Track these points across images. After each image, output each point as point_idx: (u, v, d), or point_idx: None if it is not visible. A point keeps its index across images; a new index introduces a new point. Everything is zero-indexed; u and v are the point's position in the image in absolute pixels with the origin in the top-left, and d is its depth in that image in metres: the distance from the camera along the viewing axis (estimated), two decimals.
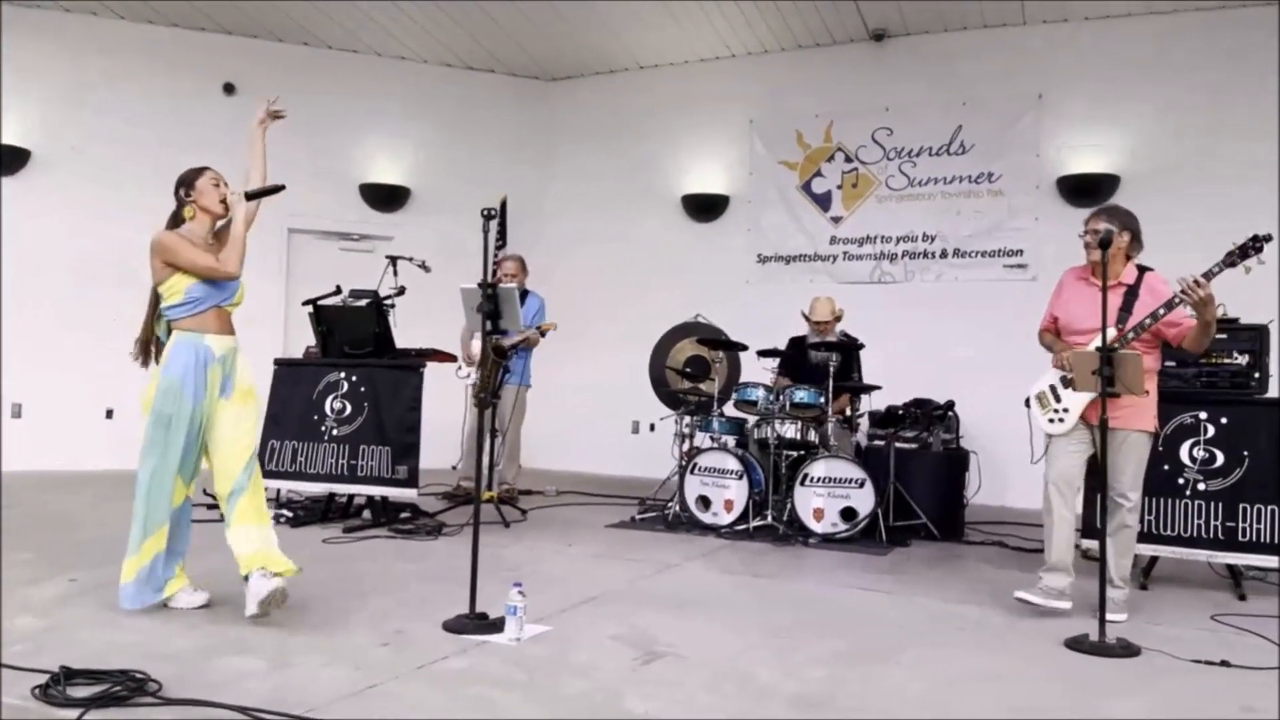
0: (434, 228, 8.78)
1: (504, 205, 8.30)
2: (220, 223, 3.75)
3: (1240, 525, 4.57)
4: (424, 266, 6.66)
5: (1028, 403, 4.27)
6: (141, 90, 8.40)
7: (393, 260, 6.63)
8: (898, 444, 6.23)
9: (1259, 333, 4.85)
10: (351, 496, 5.95)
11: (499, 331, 4.16)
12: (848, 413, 6.38)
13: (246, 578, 3.47)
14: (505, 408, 6.58)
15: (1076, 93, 7.76)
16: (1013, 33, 7.97)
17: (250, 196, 3.70)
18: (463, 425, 7.03)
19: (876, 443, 6.43)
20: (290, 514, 5.80)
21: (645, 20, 8.25)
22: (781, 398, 6.09)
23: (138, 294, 3.90)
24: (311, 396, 5.84)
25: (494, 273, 6.64)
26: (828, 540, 5.69)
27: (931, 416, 6.46)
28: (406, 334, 6.31)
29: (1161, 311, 3.90)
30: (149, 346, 3.73)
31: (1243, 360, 4.85)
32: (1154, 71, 7.49)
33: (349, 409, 5.76)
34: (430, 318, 6.81)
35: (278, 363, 6.20)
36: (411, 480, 5.60)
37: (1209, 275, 3.78)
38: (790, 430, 6.04)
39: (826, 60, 8.60)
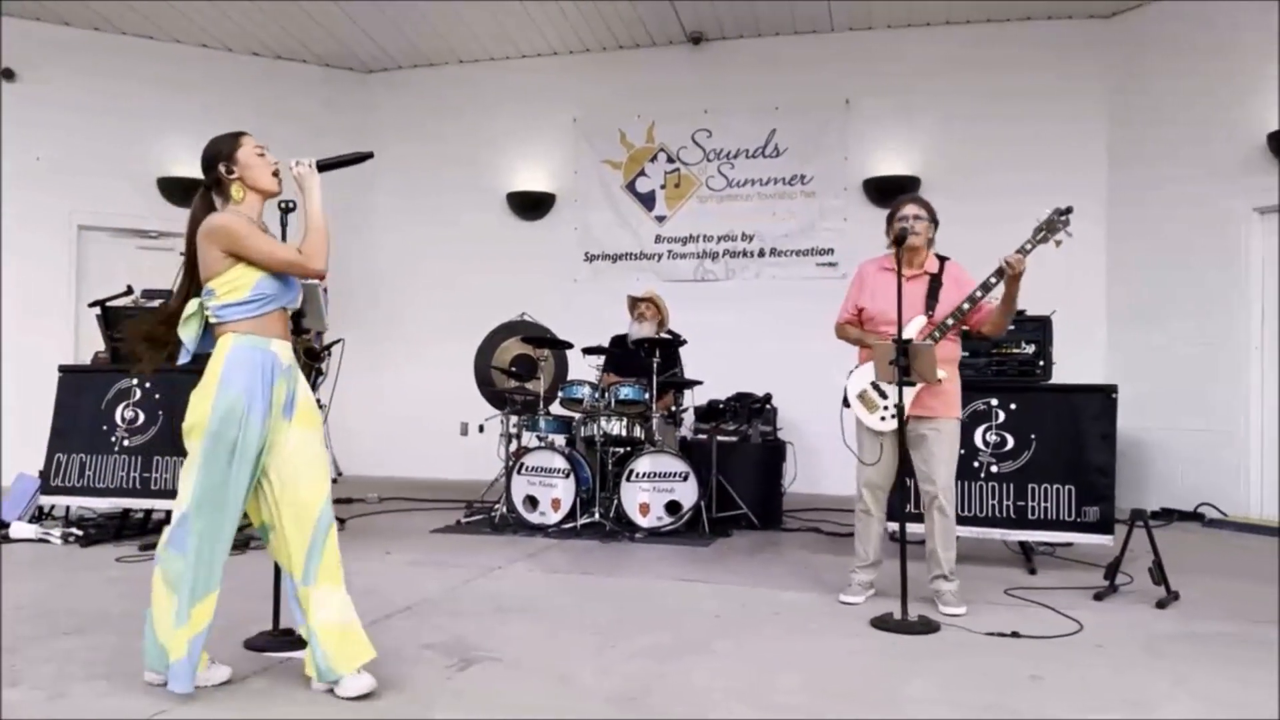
0: None
1: None
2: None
3: (1030, 504, 4.91)
4: None
5: (846, 403, 4.21)
6: None
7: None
8: (720, 437, 6.37)
9: (1043, 323, 5.23)
10: (149, 512, 5.55)
11: (304, 331, 3.96)
12: (672, 408, 6.47)
13: (303, 642, 2.90)
14: None
15: (880, 98, 8.16)
16: (821, 39, 8.31)
17: (324, 167, 3.03)
18: None
19: (700, 437, 6.55)
20: (80, 533, 5.36)
21: (465, 15, 8.10)
22: (607, 395, 6.11)
23: None
24: (100, 406, 5.42)
25: None
26: (653, 534, 5.75)
27: (751, 410, 6.64)
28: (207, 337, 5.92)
29: (978, 294, 3.96)
30: (162, 345, 2.98)
31: (1029, 349, 5.23)
32: (950, 79, 7.98)
33: (142, 418, 5.37)
34: None
35: (63, 369, 5.71)
36: None
37: (1023, 251, 3.89)
38: (616, 427, 6.06)
39: (647, 62, 8.70)
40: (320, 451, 2.96)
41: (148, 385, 5.40)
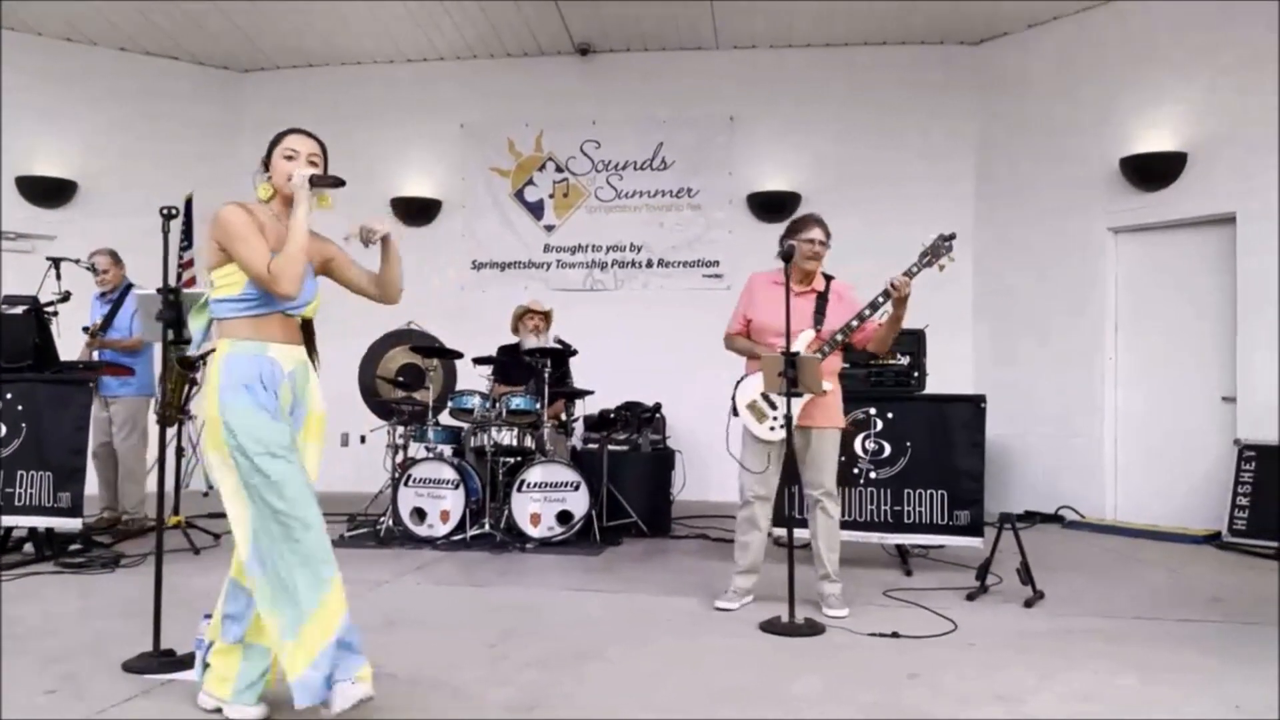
0: (107, 227, 7.89)
1: (189, 203, 7.63)
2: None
3: (905, 509, 5.13)
4: (93, 269, 5.99)
5: (735, 411, 4.29)
6: None
7: (55, 262, 5.91)
8: (610, 446, 6.42)
9: (918, 336, 5.47)
10: (9, 529, 5.22)
11: (182, 340, 3.80)
12: (563, 417, 6.48)
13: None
14: (119, 422, 5.98)
15: (763, 116, 8.38)
16: (706, 56, 8.48)
17: (315, 182, 2.79)
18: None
19: (590, 446, 6.58)
20: None
21: (346, 16, 7.92)
22: (499, 405, 6.07)
23: None
24: None
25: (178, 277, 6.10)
26: (545, 544, 5.74)
27: (641, 419, 6.71)
28: (73, 346, 5.64)
29: (867, 313, 4.12)
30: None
31: (904, 361, 5.46)
32: (830, 99, 8.26)
33: (3, 430, 5.06)
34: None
35: None
36: (76, 509, 5.02)
37: (910, 274, 4.05)
38: (507, 437, 6.04)
39: (535, 70, 8.70)
40: (318, 462, 2.85)
41: (9, 396, 5.09)
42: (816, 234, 4.27)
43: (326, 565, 2.64)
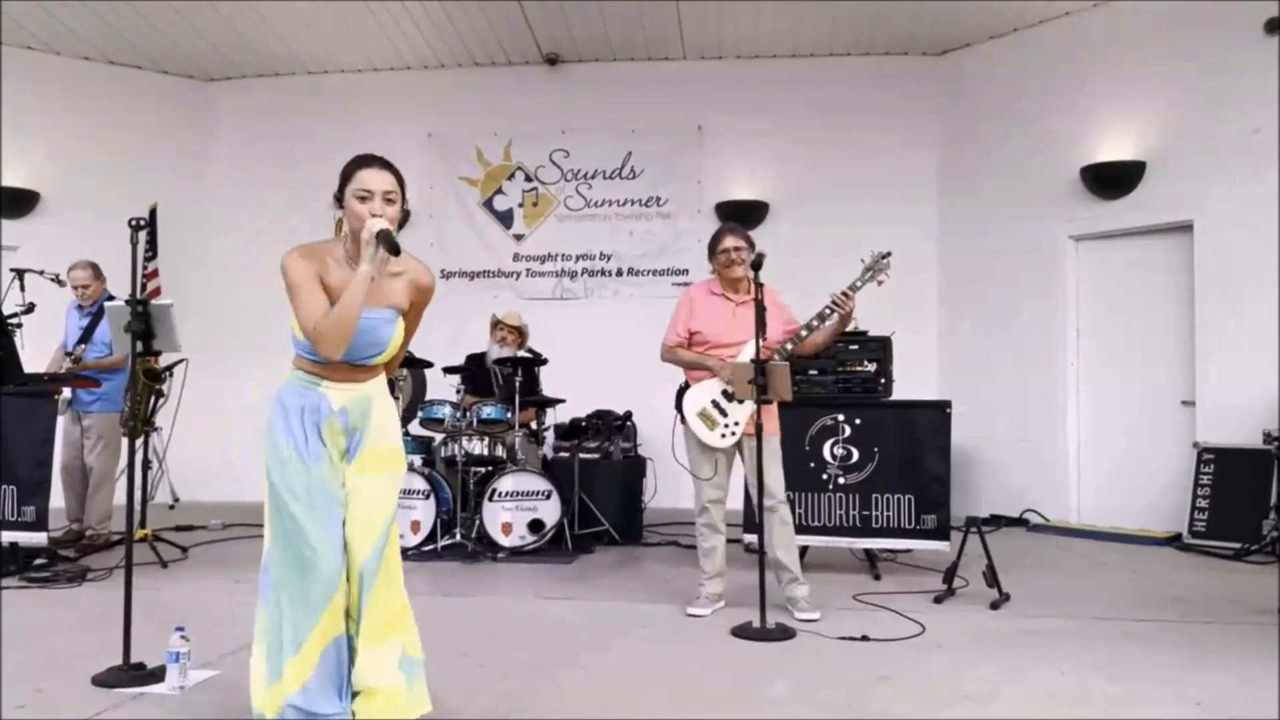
0: (71, 237, 7.77)
1: (154, 213, 7.55)
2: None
3: (874, 513, 5.19)
4: (58, 280, 5.92)
5: (683, 420, 4.37)
6: None
7: (19, 274, 5.84)
8: (581, 454, 6.43)
9: (884, 343, 5.54)
10: None
11: (152, 353, 3.79)
12: (534, 426, 6.48)
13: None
14: (93, 437, 5.89)
15: (731, 125, 8.46)
16: (674, 66, 8.53)
17: (382, 235, 2.56)
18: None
19: (562, 454, 6.59)
20: None
21: (312, 24, 7.89)
22: (469, 414, 6.07)
23: None
24: None
25: (143, 286, 6.04)
26: (516, 554, 5.74)
27: (612, 427, 6.74)
28: (37, 357, 5.57)
29: (815, 323, 4.25)
30: None
31: (871, 368, 5.52)
32: (796, 108, 8.33)
33: None
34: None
35: None
36: (41, 523, 4.96)
37: (853, 289, 4.22)
38: (478, 447, 6.03)
39: (504, 80, 8.71)
40: (377, 497, 2.66)
41: None
42: (731, 241, 4.40)
43: (314, 613, 2.55)
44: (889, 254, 4.28)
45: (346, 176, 2.67)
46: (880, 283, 4.25)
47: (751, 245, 4.42)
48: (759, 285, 4.26)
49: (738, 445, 4.33)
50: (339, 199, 2.67)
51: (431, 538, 5.81)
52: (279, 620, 2.55)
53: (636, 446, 6.95)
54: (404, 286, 2.74)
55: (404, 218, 2.69)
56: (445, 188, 8.77)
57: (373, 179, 2.64)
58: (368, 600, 2.61)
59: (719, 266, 4.44)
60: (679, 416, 4.39)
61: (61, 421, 5.92)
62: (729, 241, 4.40)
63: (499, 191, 8.75)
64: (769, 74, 8.42)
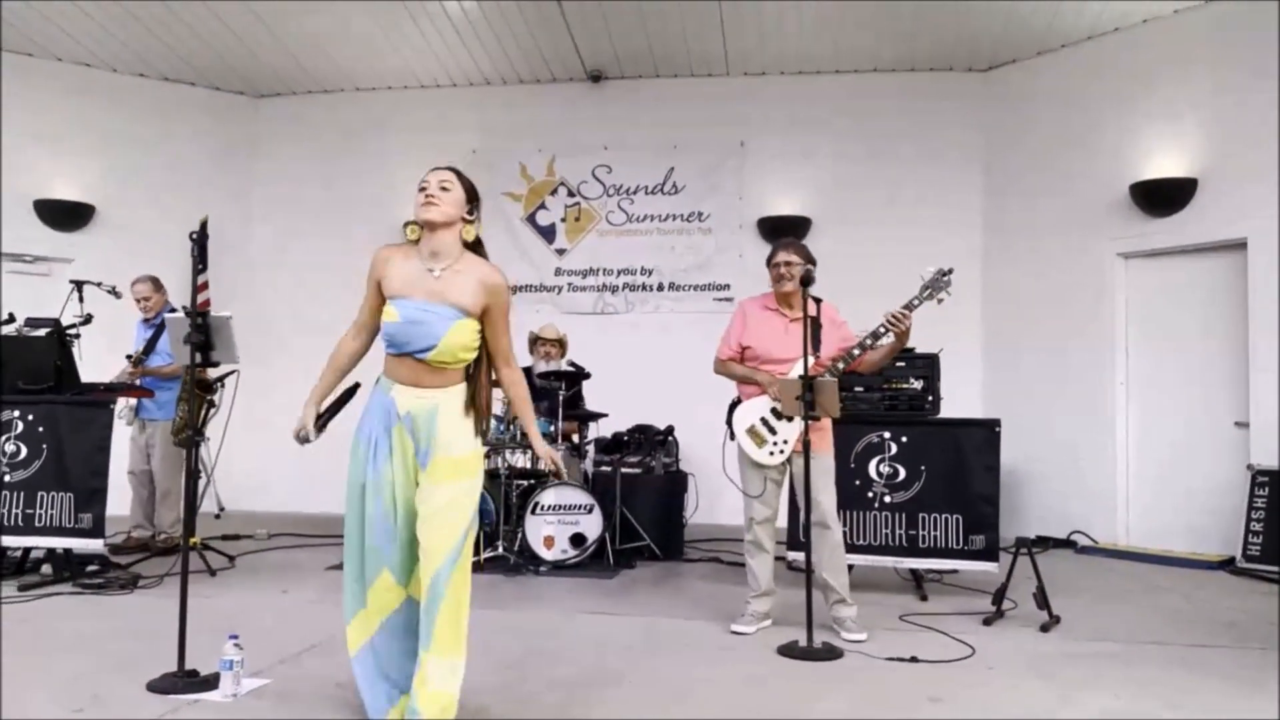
0: (124, 249, 7.97)
1: (204, 226, 7.69)
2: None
3: (920, 533, 5.13)
4: (114, 292, 6.05)
5: (732, 436, 4.32)
6: None
7: (78, 285, 5.98)
8: (623, 469, 6.43)
9: (931, 361, 5.49)
10: (28, 550, 5.25)
11: (210, 364, 3.86)
12: (576, 440, 6.50)
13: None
14: (158, 445, 6.14)
15: (773, 141, 8.46)
16: (718, 82, 8.55)
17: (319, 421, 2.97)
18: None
19: (603, 468, 6.60)
20: None
21: (360, 42, 8.01)
22: (513, 428, 6.10)
23: None
24: None
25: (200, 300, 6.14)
26: (558, 567, 5.75)
27: (653, 441, 6.74)
28: (95, 368, 5.69)
29: (868, 342, 4.18)
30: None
31: (918, 385, 5.47)
32: (839, 124, 8.32)
33: (25, 451, 5.10)
34: (122, 348, 6.18)
35: None
36: (97, 530, 5.05)
37: (910, 307, 4.11)
38: (521, 460, 6.06)
39: (547, 96, 8.79)
40: (448, 505, 2.74)
41: (30, 418, 5.14)
42: (782, 256, 4.33)
43: (358, 597, 2.86)
44: (950, 270, 4.16)
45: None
46: (940, 301, 4.15)
47: (807, 260, 4.32)
48: (815, 301, 4.25)
49: (787, 463, 4.28)
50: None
51: (475, 550, 5.83)
52: (347, 579, 2.87)
53: (677, 461, 6.94)
54: (471, 286, 2.80)
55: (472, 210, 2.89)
56: (489, 203, 8.75)
57: (430, 175, 2.85)
58: (439, 610, 2.68)
59: (771, 281, 4.38)
60: (729, 432, 4.34)
61: (129, 430, 6.18)
62: (780, 256, 4.33)
63: (542, 206, 8.82)
64: (812, 90, 8.41)
